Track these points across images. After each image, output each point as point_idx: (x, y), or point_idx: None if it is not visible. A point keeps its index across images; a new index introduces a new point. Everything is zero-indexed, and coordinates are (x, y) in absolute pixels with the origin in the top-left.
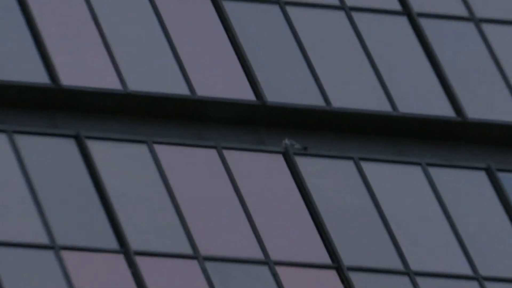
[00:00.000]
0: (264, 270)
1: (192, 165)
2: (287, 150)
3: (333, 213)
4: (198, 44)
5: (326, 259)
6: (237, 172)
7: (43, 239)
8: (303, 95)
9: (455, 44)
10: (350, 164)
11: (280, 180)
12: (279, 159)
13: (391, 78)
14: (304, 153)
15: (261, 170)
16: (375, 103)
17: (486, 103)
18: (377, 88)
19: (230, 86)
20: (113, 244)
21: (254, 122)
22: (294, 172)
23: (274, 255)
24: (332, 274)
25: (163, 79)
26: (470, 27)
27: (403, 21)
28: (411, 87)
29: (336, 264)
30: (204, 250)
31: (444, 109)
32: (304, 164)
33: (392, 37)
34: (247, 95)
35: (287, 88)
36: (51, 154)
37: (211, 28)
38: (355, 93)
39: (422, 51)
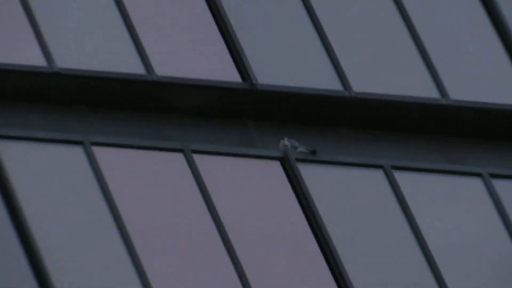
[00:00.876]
0: None
1: (148, 175)
2: (286, 154)
3: (352, 242)
4: (160, 5)
5: None
6: (213, 186)
7: None
8: (309, 76)
9: None
10: (378, 175)
11: (276, 196)
12: (276, 167)
13: (438, 53)
14: (311, 159)
15: (248, 182)
16: (415, 87)
17: None
18: (418, 66)
19: (206, 63)
20: (32, 285)
21: (239, 114)
22: (296, 185)
23: None
24: None
25: (106, 53)
26: None
27: None
28: (467, 65)
29: None
30: None
31: None
32: (311, 174)
33: None
34: (230, 75)
35: (286, 66)
36: None
37: None
38: (385, 74)
39: (485, 15)
